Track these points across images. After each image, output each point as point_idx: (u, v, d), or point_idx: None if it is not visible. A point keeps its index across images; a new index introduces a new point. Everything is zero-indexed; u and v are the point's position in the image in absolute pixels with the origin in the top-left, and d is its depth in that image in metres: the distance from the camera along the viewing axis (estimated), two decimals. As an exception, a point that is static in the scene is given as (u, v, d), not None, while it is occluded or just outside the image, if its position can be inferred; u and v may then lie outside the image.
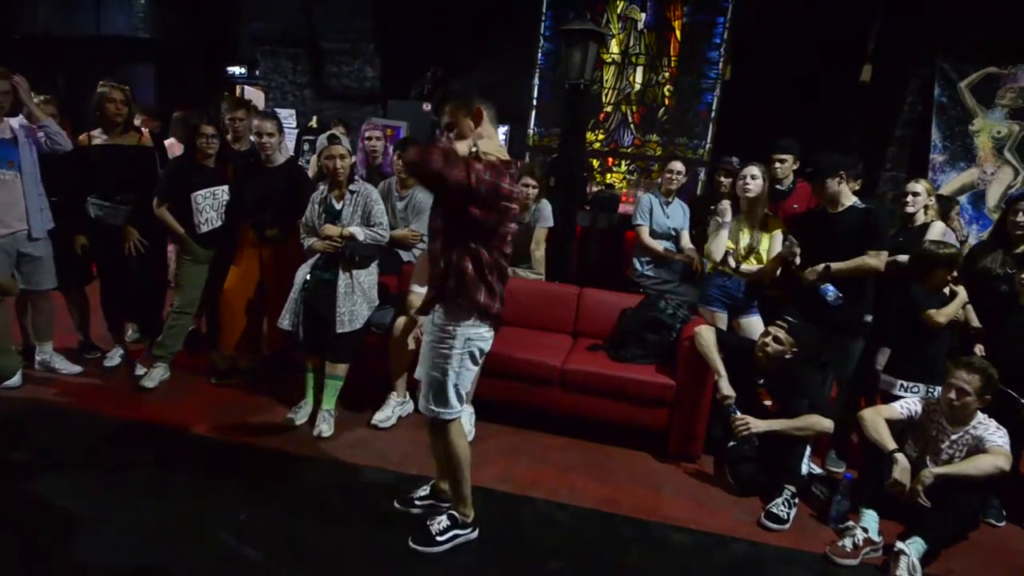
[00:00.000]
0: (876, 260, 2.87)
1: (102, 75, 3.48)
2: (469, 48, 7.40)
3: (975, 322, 3.01)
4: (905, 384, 2.85)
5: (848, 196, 2.97)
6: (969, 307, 2.96)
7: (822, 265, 2.92)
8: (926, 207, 3.21)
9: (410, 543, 2.18)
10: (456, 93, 2.01)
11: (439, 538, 2.18)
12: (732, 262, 3.19)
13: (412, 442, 2.93)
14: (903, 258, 3.06)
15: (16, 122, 3.08)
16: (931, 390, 2.77)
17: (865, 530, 2.45)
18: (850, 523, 2.53)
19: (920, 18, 5.73)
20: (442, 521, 2.22)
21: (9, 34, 7.44)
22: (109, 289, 3.53)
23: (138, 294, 3.52)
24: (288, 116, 6.60)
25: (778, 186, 3.53)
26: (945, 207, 3.86)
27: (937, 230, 3.12)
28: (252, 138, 3.36)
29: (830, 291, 2.91)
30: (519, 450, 3.01)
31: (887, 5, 6.03)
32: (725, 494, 2.81)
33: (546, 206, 3.84)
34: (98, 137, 3.29)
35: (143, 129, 3.58)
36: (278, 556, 2.11)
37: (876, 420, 2.64)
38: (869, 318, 2.96)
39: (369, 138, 4.05)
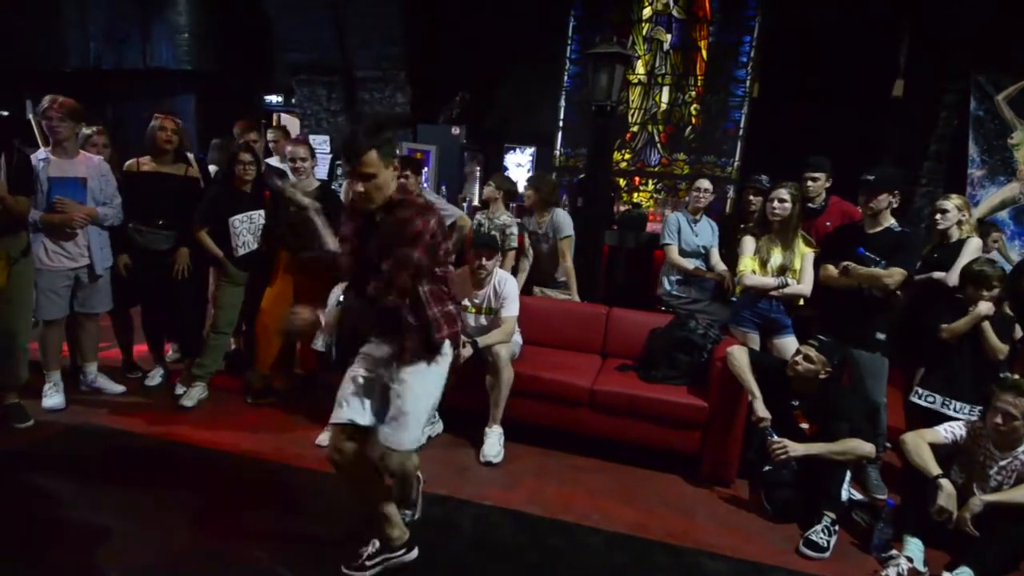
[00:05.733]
0: (889, 277, 2.85)
1: (148, 106, 3.64)
2: (497, 72, 7.54)
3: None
4: (965, 407, 2.77)
5: (888, 216, 2.97)
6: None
7: (843, 264, 2.94)
8: (960, 223, 3.14)
9: None
10: (385, 139, 1.85)
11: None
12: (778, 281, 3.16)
13: (441, 462, 2.94)
14: (939, 275, 2.99)
15: (97, 159, 3.26)
16: None
17: (910, 559, 2.36)
18: (894, 552, 2.44)
19: (952, 31, 5.63)
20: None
21: (62, 67, 7.87)
22: (151, 310, 3.66)
23: (178, 315, 3.64)
24: (323, 142, 6.79)
25: (810, 204, 3.49)
26: (983, 232, 3.78)
27: (973, 247, 3.04)
28: (287, 163, 3.47)
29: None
30: (549, 472, 2.99)
31: (918, 18, 5.94)
32: (761, 520, 2.74)
33: (559, 215, 3.85)
34: (147, 164, 3.44)
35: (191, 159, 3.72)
36: None
37: (919, 444, 2.55)
38: (882, 336, 2.93)
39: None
